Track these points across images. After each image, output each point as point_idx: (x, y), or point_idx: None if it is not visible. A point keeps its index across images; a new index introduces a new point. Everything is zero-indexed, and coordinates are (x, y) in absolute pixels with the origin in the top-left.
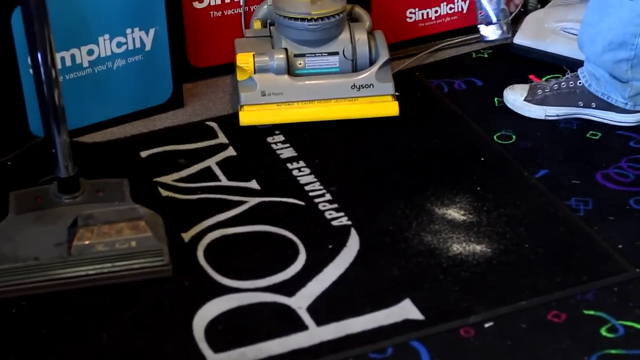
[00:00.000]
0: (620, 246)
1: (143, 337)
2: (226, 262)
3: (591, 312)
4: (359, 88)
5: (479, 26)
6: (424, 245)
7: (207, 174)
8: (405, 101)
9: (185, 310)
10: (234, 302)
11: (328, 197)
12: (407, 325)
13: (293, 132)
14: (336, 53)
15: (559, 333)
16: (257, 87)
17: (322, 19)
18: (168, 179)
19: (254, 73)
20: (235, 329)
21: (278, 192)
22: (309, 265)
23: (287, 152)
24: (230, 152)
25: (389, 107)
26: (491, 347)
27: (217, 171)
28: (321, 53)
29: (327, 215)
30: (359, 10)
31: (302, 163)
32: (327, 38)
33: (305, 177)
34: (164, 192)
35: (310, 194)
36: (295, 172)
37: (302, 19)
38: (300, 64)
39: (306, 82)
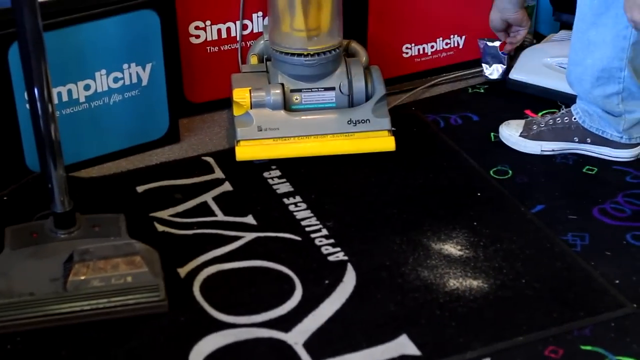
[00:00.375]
0: (617, 281)
1: None
2: (222, 297)
3: (588, 348)
4: (356, 123)
5: (482, 64)
6: (420, 280)
7: (204, 209)
8: (402, 136)
9: (181, 346)
10: (230, 338)
11: (324, 232)
12: None
13: (289, 167)
14: (332, 88)
15: None
16: (253, 122)
17: (318, 54)
18: (164, 214)
19: (251, 108)
20: None
21: (274, 227)
22: (306, 300)
23: (284, 187)
24: (227, 187)
25: (386, 142)
26: None
27: (214, 206)
28: (317, 88)
29: (324, 250)
30: (355, 45)
31: (298, 198)
32: (324, 73)
33: (301, 212)
34: (160, 227)
35: (307, 229)
36: (291, 207)
37: (299, 55)
38: (296, 99)
39: (302, 117)
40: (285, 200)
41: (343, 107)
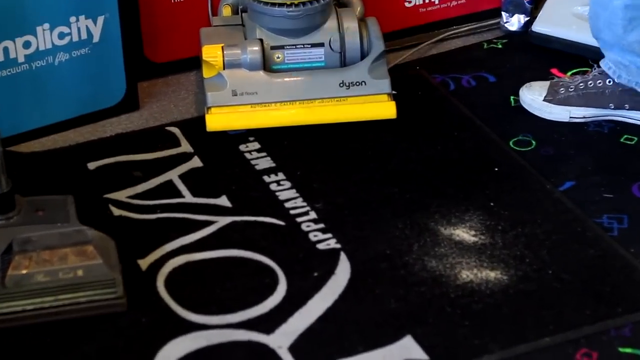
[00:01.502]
0: None
1: None
2: (191, 293)
3: (628, 350)
4: (349, 86)
5: (503, 12)
6: (427, 271)
7: (168, 189)
8: (404, 101)
9: (142, 352)
10: (201, 342)
11: (312, 215)
12: None
13: (270, 138)
14: (321, 44)
15: None
16: (227, 86)
17: (303, 4)
18: (121, 195)
19: (223, 69)
20: None
21: (253, 210)
22: (291, 296)
23: (264, 163)
24: (196, 162)
25: (385, 108)
26: None
27: (180, 186)
28: (303, 45)
29: (312, 237)
30: None
31: (281, 175)
32: (310, 27)
33: (285, 191)
34: (117, 211)
35: (292, 212)
36: (273, 186)
37: (280, 4)
38: (278, 57)
39: (285, 79)
40: (266, 178)
41: (334, 66)
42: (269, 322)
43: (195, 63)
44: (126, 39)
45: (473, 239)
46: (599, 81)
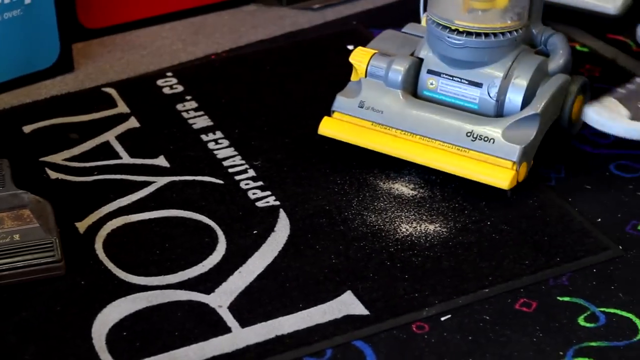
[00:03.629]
0: (599, 220)
1: (30, 350)
2: (130, 255)
3: (567, 299)
4: (475, 138)
5: None
6: (367, 226)
7: (105, 151)
8: (338, 55)
9: (82, 315)
10: (141, 303)
11: (251, 173)
12: (348, 322)
13: (208, 97)
14: (479, 85)
15: (529, 325)
16: (358, 95)
17: (468, 33)
18: (57, 158)
19: (365, 76)
20: (143, 334)
21: (191, 170)
22: (230, 255)
23: (201, 121)
24: (133, 123)
25: (498, 175)
26: (449, 344)
27: (117, 147)
28: (460, 79)
29: (251, 194)
30: (557, 39)
31: (219, 134)
32: (476, 62)
33: (223, 150)
34: (53, 174)
35: (230, 170)
36: (211, 145)
37: (444, 27)
38: (432, 84)
39: (415, 109)
40: (204, 137)
41: (487, 113)
42: (209, 282)
43: (131, 25)
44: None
45: (412, 192)
46: None
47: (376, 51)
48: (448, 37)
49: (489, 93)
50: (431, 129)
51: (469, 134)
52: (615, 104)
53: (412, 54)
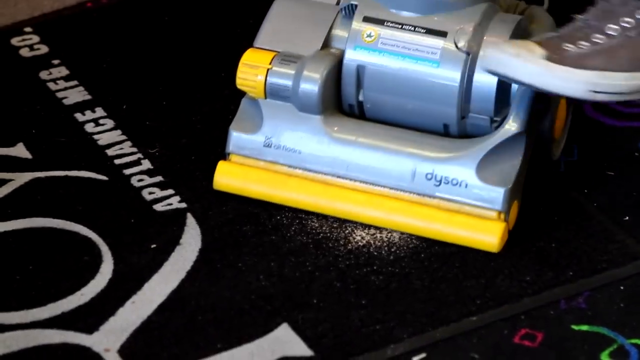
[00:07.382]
0: (626, 218)
1: None
2: None
3: (584, 328)
4: (440, 182)
5: None
6: (307, 234)
7: None
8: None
9: None
10: None
11: (146, 164)
12: None
13: (82, 61)
14: (443, 34)
15: None
16: (261, 128)
17: None
18: None
19: (265, 97)
20: None
21: (62, 162)
22: (119, 279)
23: (75, 95)
24: None
25: (486, 233)
26: None
27: None
28: (415, 27)
29: (146, 194)
30: (536, 11)
31: (100, 112)
32: (438, 3)
33: (106, 134)
34: None
35: (117, 161)
36: (89, 127)
37: None
38: (369, 36)
39: (346, 147)
40: (79, 116)
41: (453, 74)
42: (91, 317)
43: None
44: None
45: None
46: None
47: (274, 53)
48: None
49: (456, 45)
50: (374, 171)
51: (429, 177)
52: (527, 43)
53: (329, 31)
